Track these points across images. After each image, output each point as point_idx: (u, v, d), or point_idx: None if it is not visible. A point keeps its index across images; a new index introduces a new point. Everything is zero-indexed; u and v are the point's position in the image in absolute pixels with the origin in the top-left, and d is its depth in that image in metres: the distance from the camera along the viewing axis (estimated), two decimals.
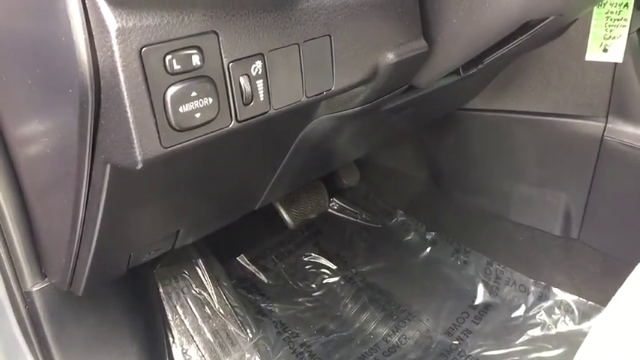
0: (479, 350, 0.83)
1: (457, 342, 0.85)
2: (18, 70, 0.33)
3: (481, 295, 0.91)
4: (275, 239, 0.99)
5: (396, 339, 0.87)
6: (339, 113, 0.45)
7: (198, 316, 0.79)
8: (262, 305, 0.88)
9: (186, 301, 0.79)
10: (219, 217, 0.57)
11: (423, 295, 0.93)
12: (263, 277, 0.93)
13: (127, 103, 0.27)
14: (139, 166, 0.28)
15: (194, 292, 0.80)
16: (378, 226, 1.07)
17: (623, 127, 0.72)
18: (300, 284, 0.94)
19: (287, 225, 0.90)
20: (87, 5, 0.25)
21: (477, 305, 0.90)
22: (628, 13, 0.59)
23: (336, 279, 0.97)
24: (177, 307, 0.78)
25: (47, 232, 0.45)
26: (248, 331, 0.81)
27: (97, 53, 0.26)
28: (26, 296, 0.52)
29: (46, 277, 0.52)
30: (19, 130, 0.40)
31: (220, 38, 0.29)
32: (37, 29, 0.29)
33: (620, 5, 0.59)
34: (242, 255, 0.94)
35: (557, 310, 0.84)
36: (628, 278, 0.44)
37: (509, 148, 0.85)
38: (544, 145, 0.80)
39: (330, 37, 0.35)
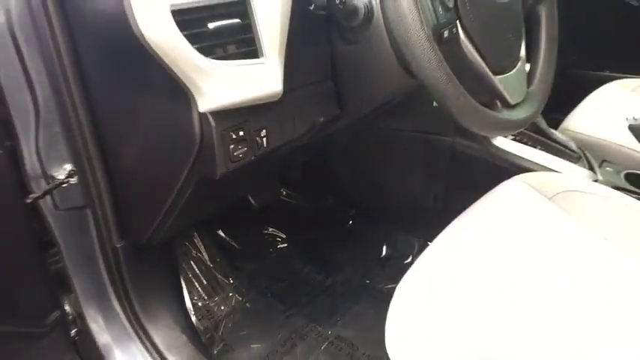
0: (382, 285, 1.25)
1: (369, 281, 1.27)
2: (150, 130, 0.69)
3: (384, 251, 1.34)
4: (244, 218, 1.37)
5: (329, 282, 1.27)
6: (294, 144, 0.84)
7: (196, 270, 1.16)
8: (237, 264, 1.25)
9: (189, 261, 1.15)
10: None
11: (347, 253, 1.33)
12: (236, 245, 1.31)
13: (216, 153, 0.64)
14: (217, 177, 0.66)
15: (193, 254, 1.17)
16: (316, 207, 1.48)
17: (463, 141, 1.16)
18: (262, 249, 1.33)
19: (253, 208, 1.28)
20: (201, 116, 0.63)
21: (382, 257, 1.33)
22: None
23: (286, 245, 1.37)
24: (183, 264, 1.14)
25: (137, 209, 0.80)
26: (230, 279, 1.19)
27: (204, 134, 0.64)
28: (114, 251, 0.86)
29: (123, 239, 0.86)
30: (130, 151, 0.74)
31: (250, 122, 0.68)
32: (172, 122, 0.65)
33: None
34: (220, 229, 1.31)
35: None
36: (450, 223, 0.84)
37: (399, 153, 1.28)
38: (420, 151, 1.23)
39: (294, 116, 0.74)
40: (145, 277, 0.90)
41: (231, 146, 0.66)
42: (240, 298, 1.17)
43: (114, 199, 0.81)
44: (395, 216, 1.34)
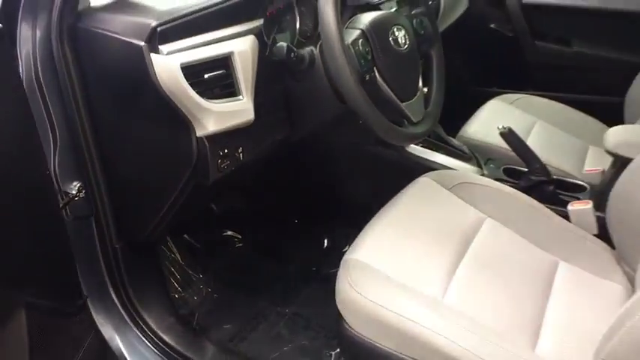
0: (326, 270, 1.47)
1: (315, 268, 1.51)
2: (153, 152, 0.91)
3: (326, 242, 1.57)
4: (205, 224, 1.57)
5: (282, 272, 1.50)
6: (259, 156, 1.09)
7: (172, 268, 1.36)
8: (204, 262, 1.46)
9: (165, 261, 1.35)
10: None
11: (295, 247, 1.52)
12: (201, 247, 1.51)
13: (210, 168, 0.88)
14: (209, 183, 0.90)
15: (167, 255, 1.37)
16: (266, 211, 1.70)
17: (382, 149, 1.44)
18: (222, 248, 1.54)
19: (215, 213, 1.50)
20: (198, 140, 0.87)
21: (324, 248, 1.57)
22: None
23: (242, 244, 1.59)
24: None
25: (138, 213, 1.01)
26: (200, 274, 1.40)
27: (200, 152, 0.87)
28: (113, 250, 1.05)
29: (121, 240, 1.06)
30: (134, 168, 0.95)
31: (231, 142, 0.91)
32: (174, 144, 0.88)
33: None
34: (186, 235, 1.51)
35: None
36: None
37: (335, 161, 1.54)
38: (351, 158, 1.49)
39: (260, 136, 1.00)
40: (138, 271, 1.11)
41: (219, 160, 0.90)
42: (209, 290, 1.38)
43: (115, 207, 1.02)
44: (332, 213, 1.52)
